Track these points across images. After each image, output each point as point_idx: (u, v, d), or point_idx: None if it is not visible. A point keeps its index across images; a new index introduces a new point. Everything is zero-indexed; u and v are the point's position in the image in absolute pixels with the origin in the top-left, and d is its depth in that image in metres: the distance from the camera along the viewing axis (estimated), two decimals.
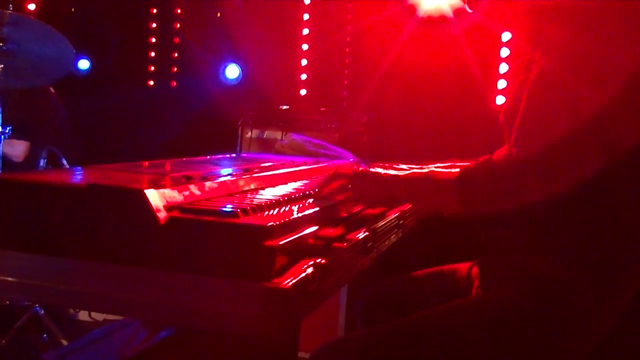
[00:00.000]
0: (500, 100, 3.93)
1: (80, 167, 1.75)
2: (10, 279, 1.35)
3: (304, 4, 4.39)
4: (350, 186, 1.77)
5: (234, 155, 2.64)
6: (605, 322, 1.64)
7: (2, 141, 3.24)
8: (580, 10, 1.61)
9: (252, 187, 1.79)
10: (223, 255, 1.24)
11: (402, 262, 2.22)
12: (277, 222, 1.30)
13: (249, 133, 3.72)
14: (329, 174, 1.88)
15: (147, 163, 1.93)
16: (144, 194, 1.29)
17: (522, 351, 1.63)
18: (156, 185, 1.38)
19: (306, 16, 4.39)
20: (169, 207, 1.34)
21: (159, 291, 1.25)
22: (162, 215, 1.29)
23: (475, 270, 1.97)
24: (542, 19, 1.71)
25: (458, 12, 3.57)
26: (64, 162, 3.56)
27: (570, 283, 1.60)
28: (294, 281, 1.21)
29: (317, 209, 1.59)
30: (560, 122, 1.57)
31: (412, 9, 3.75)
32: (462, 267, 2.06)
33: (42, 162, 3.50)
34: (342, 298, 2.82)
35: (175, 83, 4.92)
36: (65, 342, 3.13)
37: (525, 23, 1.82)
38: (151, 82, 5.00)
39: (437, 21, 3.65)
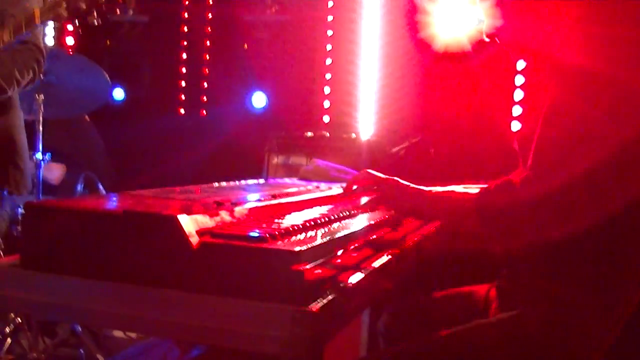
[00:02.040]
0: (515, 126, 3.99)
1: (115, 194, 1.84)
2: (50, 300, 1.42)
3: (327, 35, 4.51)
4: (376, 188, 1.86)
5: (261, 180, 2.73)
6: (610, 338, 1.68)
7: (42, 166, 3.38)
8: (594, 37, 1.66)
9: (279, 212, 1.87)
10: (253, 279, 1.31)
11: (423, 282, 2.28)
12: (305, 247, 1.37)
13: (275, 159, 3.83)
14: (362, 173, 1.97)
15: (178, 189, 2.02)
16: (177, 220, 1.37)
17: None
18: (188, 211, 1.47)
19: (329, 47, 4.52)
20: (201, 233, 1.42)
21: (192, 312, 1.32)
22: (194, 240, 1.37)
23: (493, 292, 2.03)
24: (557, 48, 1.77)
25: (475, 43, 3.65)
26: (100, 187, 3.69)
27: (586, 307, 1.66)
28: (321, 304, 1.27)
29: (342, 234, 1.67)
30: (577, 153, 1.61)
31: (432, 40, 3.84)
32: (481, 289, 2.12)
33: (79, 187, 3.63)
34: (364, 317, 2.88)
35: (204, 111, 5.07)
36: (100, 358, 3.22)
37: (541, 52, 1.88)
38: (182, 111, 5.14)
39: (454, 53, 3.74)
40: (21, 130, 2.74)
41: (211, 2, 5.04)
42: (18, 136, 2.71)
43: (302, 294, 1.30)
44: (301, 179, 2.91)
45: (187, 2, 5.13)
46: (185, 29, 4.97)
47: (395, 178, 1.93)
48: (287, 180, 2.90)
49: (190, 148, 4.73)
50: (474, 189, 1.79)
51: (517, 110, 4.07)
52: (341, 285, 1.41)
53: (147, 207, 1.55)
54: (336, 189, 2.42)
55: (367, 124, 4.33)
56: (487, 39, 2.17)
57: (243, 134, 4.52)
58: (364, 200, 2.05)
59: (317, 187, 2.46)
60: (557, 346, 1.67)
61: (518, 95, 4.07)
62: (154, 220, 1.40)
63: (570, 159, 1.62)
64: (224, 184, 2.37)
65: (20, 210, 3.04)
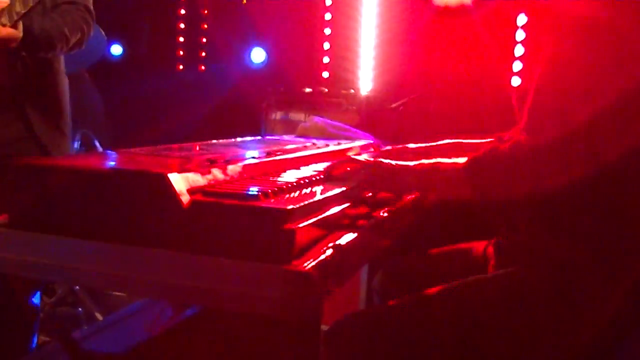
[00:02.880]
0: (516, 81, 3.95)
1: (108, 152, 1.82)
2: (39, 260, 1.42)
3: None
4: (362, 171, 1.83)
5: (258, 137, 2.71)
6: (612, 303, 1.67)
7: None
8: None
9: (274, 169, 1.85)
10: (244, 238, 1.30)
11: (420, 240, 2.27)
12: (297, 205, 1.36)
13: (274, 115, 3.80)
14: (343, 158, 1.93)
15: (176, 146, 2.00)
16: (167, 178, 1.35)
17: (533, 329, 1.68)
18: (180, 169, 1.44)
19: (329, 1, 4.45)
20: (192, 191, 1.40)
21: (184, 273, 1.31)
22: (185, 198, 1.36)
23: (490, 249, 2.02)
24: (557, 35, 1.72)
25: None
26: (97, 144, 3.67)
27: (585, 265, 1.64)
28: (314, 263, 1.27)
29: (338, 190, 1.65)
30: (577, 106, 1.58)
31: None
32: (478, 245, 2.11)
33: (76, 144, 3.62)
34: (363, 274, 2.88)
35: (203, 67, 5.02)
36: (99, 316, 3.25)
37: (540, 37, 1.83)
38: (181, 67, 5.10)
39: (454, 8, 3.68)
40: (66, 94, 2.67)
41: None
42: (64, 99, 2.65)
43: (295, 254, 1.29)
44: (299, 135, 2.88)
45: None
46: None
47: (379, 159, 1.89)
48: (284, 137, 2.88)
49: (189, 104, 4.70)
50: (460, 159, 1.76)
51: (517, 66, 4.02)
52: (335, 244, 1.40)
53: (138, 165, 1.54)
54: (332, 146, 2.40)
55: (366, 79, 4.28)
56: None
57: (242, 89, 4.48)
58: (363, 157, 2.02)
59: (314, 144, 2.44)
60: (557, 304, 1.66)
61: (519, 50, 4.02)
62: (144, 178, 1.39)
63: (569, 111, 1.59)
64: (221, 141, 2.34)
65: None
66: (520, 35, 3.94)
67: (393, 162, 1.84)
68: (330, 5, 4.44)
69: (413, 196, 2.11)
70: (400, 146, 2.42)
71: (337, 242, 1.42)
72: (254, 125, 3.94)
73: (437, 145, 2.39)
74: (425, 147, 2.38)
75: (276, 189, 1.50)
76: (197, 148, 2.06)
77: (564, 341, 1.70)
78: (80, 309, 3.29)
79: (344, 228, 1.54)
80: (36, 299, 2.52)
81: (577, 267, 1.65)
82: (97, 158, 1.77)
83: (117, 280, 1.39)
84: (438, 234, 2.29)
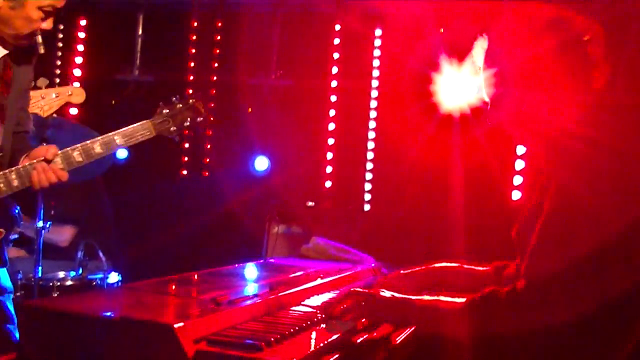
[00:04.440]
0: (516, 195, 4.01)
1: (112, 290, 1.84)
2: None
3: (331, 101, 4.58)
4: (364, 303, 1.86)
5: (261, 261, 2.74)
6: None
7: (42, 235, 3.40)
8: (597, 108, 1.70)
9: (276, 307, 1.88)
10: None
11: None
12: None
13: (276, 229, 3.85)
14: (344, 292, 1.95)
15: (175, 280, 2.02)
16: (174, 329, 1.38)
17: None
18: (185, 317, 1.48)
19: (332, 112, 4.58)
20: (196, 340, 1.43)
21: None
22: (190, 349, 1.38)
23: None
24: (557, 144, 1.78)
25: (478, 111, 3.69)
26: (101, 254, 3.70)
27: None
28: None
29: (334, 337, 1.67)
30: (582, 246, 1.61)
31: (434, 107, 3.89)
32: None
33: (79, 254, 3.64)
34: None
35: (207, 173, 5.10)
36: None
37: (541, 145, 1.90)
38: (184, 172, 5.18)
39: (456, 120, 3.78)
40: None
41: (216, 65, 5.11)
42: None
43: None
44: (301, 257, 2.92)
45: (192, 64, 5.20)
46: (190, 91, 5.02)
47: (382, 291, 1.92)
48: (286, 260, 2.90)
49: (192, 210, 4.74)
50: (460, 298, 1.80)
51: (517, 180, 4.11)
52: None
53: (144, 311, 1.55)
54: (333, 276, 2.42)
55: (369, 192, 4.35)
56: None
57: (245, 197, 4.54)
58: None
59: (317, 272, 2.45)
60: None
61: (519, 164, 4.11)
62: (151, 328, 1.41)
63: (572, 251, 1.61)
64: (223, 270, 2.36)
65: None
66: (521, 149, 4.03)
67: (394, 295, 1.87)
68: (334, 115, 4.56)
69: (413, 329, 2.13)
70: (396, 272, 2.45)
71: None
72: (257, 235, 3.99)
73: (434, 267, 2.42)
74: (424, 270, 2.41)
75: (278, 336, 1.53)
76: (197, 283, 2.08)
77: None
78: None
79: None
80: None
81: None
82: (101, 300, 1.79)
83: None
84: None
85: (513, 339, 1.80)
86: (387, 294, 1.88)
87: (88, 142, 2.69)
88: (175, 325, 1.39)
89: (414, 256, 3.07)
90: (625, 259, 1.64)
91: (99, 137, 2.73)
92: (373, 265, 2.75)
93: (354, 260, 2.83)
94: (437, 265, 2.43)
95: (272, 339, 1.49)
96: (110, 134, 2.75)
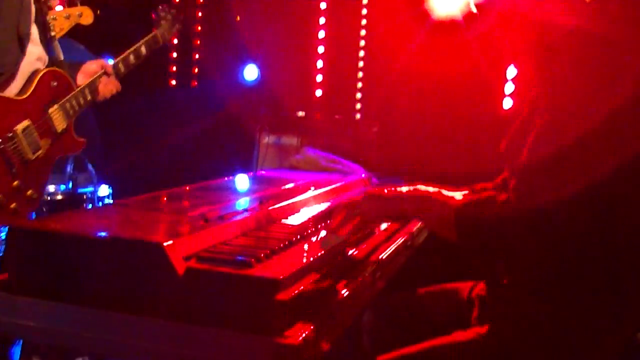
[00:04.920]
0: (507, 104, 3.99)
1: (102, 207, 1.84)
2: (39, 324, 1.45)
3: (320, 8, 4.47)
4: (358, 210, 1.87)
5: (251, 174, 2.74)
6: None
7: None
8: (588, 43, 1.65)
9: (268, 220, 1.90)
10: (237, 308, 1.34)
11: (408, 278, 2.31)
12: (288, 275, 1.40)
13: (266, 139, 3.84)
14: (335, 205, 1.97)
15: (165, 196, 2.03)
16: (164, 247, 1.39)
17: None
18: (174, 235, 1.48)
19: (322, 20, 4.47)
20: (186, 257, 1.44)
21: (178, 342, 1.35)
22: (180, 267, 1.39)
23: (476, 291, 2.06)
24: (550, 54, 1.76)
25: (469, 17, 3.62)
26: (90, 167, 3.70)
27: (562, 326, 1.69)
28: (304, 335, 1.30)
29: (331, 244, 1.69)
30: (569, 175, 1.61)
31: (425, 14, 3.81)
32: (465, 287, 2.14)
33: (69, 168, 3.64)
34: None
35: (196, 83, 5.04)
36: None
37: (533, 58, 1.87)
38: (173, 82, 5.11)
39: (448, 27, 3.71)
40: None
41: None
42: None
43: (286, 324, 1.33)
44: (291, 168, 2.93)
45: None
46: None
47: (369, 190, 1.93)
48: (276, 172, 2.91)
49: (182, 120, 4.71)
50: (456, 194, 1.81)
51: (509, 88, 4.06)
52: (327, 307, 1.44)
53: (133, 229, 1.55)
54: (324, 188, 2.43)
55: (359, 100, 4.31)
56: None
57: (235, 106, 4.50)
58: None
59: (307, 184, 2.46)
60: None
61: (511, 72, 4.06)
62: (141, 247, 1.42)
63: (560, 181, 1.62)
64: (213, 183, 2.37)
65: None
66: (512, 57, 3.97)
67: (384, 190, 1.89)
68: (324, 23, 4.47)
69: (403, 239, 2.16)
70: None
71: (329, 305, 1.45)
72: (247, 145, 3.98)
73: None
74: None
75: (268, 251, 1.54)
76: (187, 198, 2.08)
77: None
78: None
79: (336, 284, 1.58)
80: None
81: (554, 327, 1.70)
82: (91, 217, 1.78)
83: (112, 346, 1.42)
84: (427, 272, 2.33)
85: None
86: (374, 190, 1.90)
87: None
88: (165, 244, 1.39)
89: (403, 166, 3.09)
90: (610, 145, 1.62)
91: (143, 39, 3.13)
92: (363, 175, 2.76)
93: (344, 171, 2.84)
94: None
95: (262, 255, 1.50)
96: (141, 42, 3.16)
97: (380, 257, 1.90)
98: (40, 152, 2.59)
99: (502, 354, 1.74)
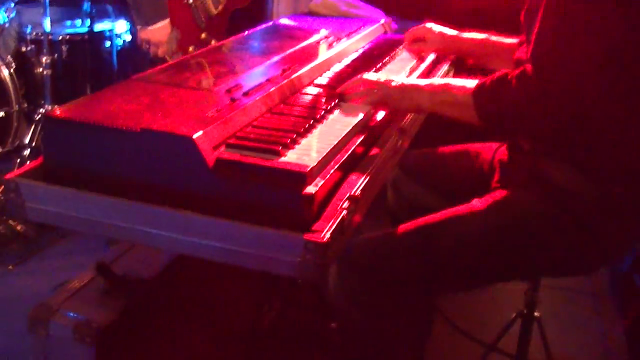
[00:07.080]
0: None
1: (123, 84, 1.80)
2: (69, 212, 1.48)
3: None
4: (374, 94, 1.87)
5: (270, 24, 2.66)
6: (611, 235, 1.79)
7: None
8: None
9: (292, 91, 1.90)
10: (265, 200, 1.36)
11: (431, 137, 2.33)
12: (315, 163, 1.42)
13: None
14: (355, 78, 1.95)
15: (185, 64, 2.00)
16: (194, 141, 1.40)
17: (527, 256, 1.82)
18: (204, 122, 1.50)
19: None
20: (215, 146, 1.46)
21: (207, 233, 1.39)
22: (210, 159, 1.41)
23: (499, 155, 2.09)
24: None
25: None
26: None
27: (578, 191, 1.74)
28: (332, 230, 1.33)
29: (354, 122, 1.71)
30: (579, 46, 1.59)
31: None
32: (488, 148, 2.18)
33: (86, 6, 3.56)
34: None
35: None
36: None
37: None
38: None
39: None
40: None
41: None
42: None
43: (313, 216, 1.37)
44: (310, 13, 2.84)
45: None
46: None
47: (389, 79, 1.90)
48: (295, 19, 2.80)
49: None
50: (470, 81, 1.79)
51: None
52: (352, 195, 1.48)
53: (162, 118, 1.54)
54: (344, 42, 2.38)
55: None
56: None
57: None
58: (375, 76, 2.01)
59: (326, 37, 2.40)
60: (547, 228, 1.78)
61: None
62: (171, 140, 1.43)
63: (571, 53, 1.60)
64: (231, 42, 2.32)
65: None
66: None
67: (404, 82, 1.88)
68: None
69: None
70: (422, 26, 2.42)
71: (354, 192, 1.49)
72: None
73: (464, 38, 2.39)
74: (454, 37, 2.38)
75: (295, 135, 1.56)
76: (209, 59, 2.06)
77: (550, 262, 1.84)
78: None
79: (359, 163, 1.62)
80: None
81: (571, 193, 1.75)
82: (120, 102, 1.73)
83: (143, 235, 1.46)
84: (449, 130, 2.34)
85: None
86: (397, 82, 1.88)
87: None
88: (194, 136, 1.40)
89: (424, 10, 2.97)
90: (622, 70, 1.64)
91: None
92: (384, 20, 2.68)
93: (364, 16, 2.76)
94: (465, 35, 2.39)
95: (289, 140, 1.53)
96: None
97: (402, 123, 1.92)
98: (220, 7, 3.15)
99: (517, 224, 1.80)
